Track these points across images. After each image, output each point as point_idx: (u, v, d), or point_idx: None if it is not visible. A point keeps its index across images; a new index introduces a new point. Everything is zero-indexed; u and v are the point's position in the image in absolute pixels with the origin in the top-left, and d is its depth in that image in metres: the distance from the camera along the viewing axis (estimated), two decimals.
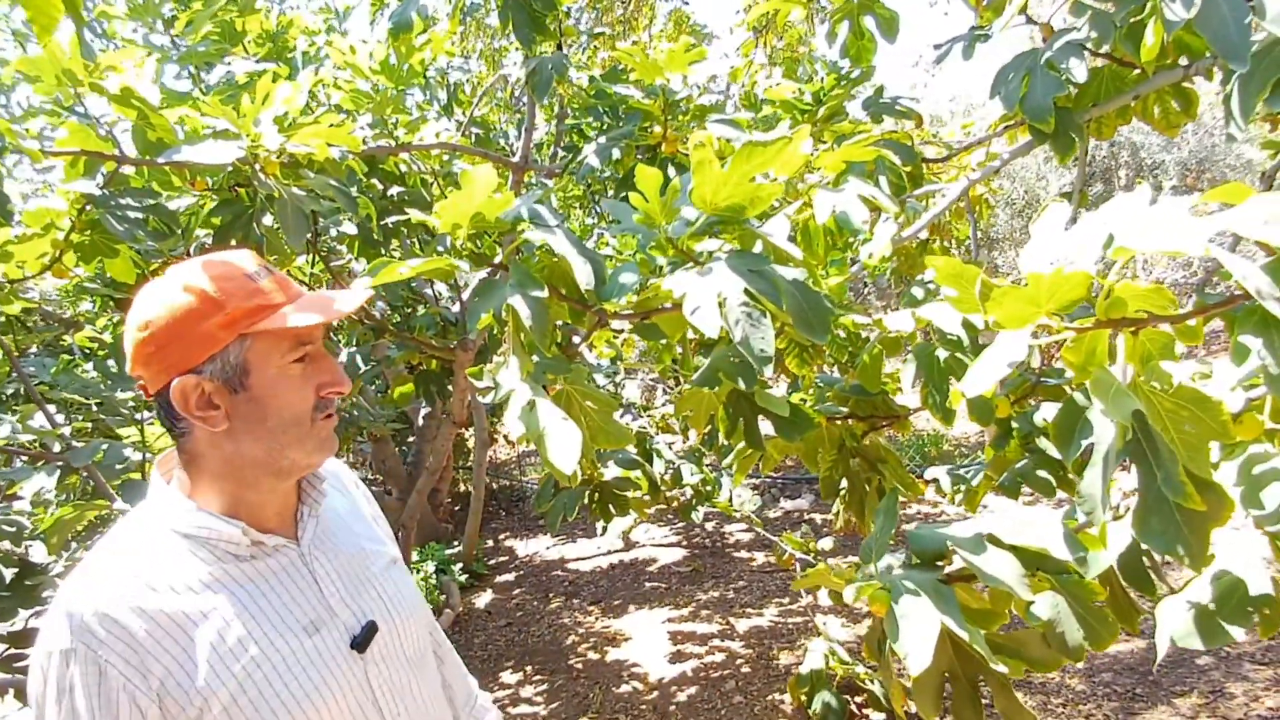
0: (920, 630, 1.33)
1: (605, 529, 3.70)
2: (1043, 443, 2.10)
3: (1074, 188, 1.95)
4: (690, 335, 2.08)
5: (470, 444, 6.97)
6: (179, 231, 2.88)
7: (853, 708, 3.21)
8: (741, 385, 1.83)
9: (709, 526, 6.36)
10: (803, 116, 2.38)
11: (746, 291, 1.48)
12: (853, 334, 2.84)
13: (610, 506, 3.32)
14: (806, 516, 6.29)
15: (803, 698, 3.19)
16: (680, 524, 6.67)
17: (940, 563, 1.51)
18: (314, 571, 0.94)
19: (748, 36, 5.22)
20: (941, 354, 1.86)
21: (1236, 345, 1.06)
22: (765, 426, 1.98)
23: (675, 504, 3.65)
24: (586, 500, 3.24)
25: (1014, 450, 2.31)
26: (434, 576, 5.35)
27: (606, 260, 1.79)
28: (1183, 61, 1.95)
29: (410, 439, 6.38)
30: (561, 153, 4.11)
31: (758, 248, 1.71)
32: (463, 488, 8.07)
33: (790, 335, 2.19)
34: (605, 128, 2.77)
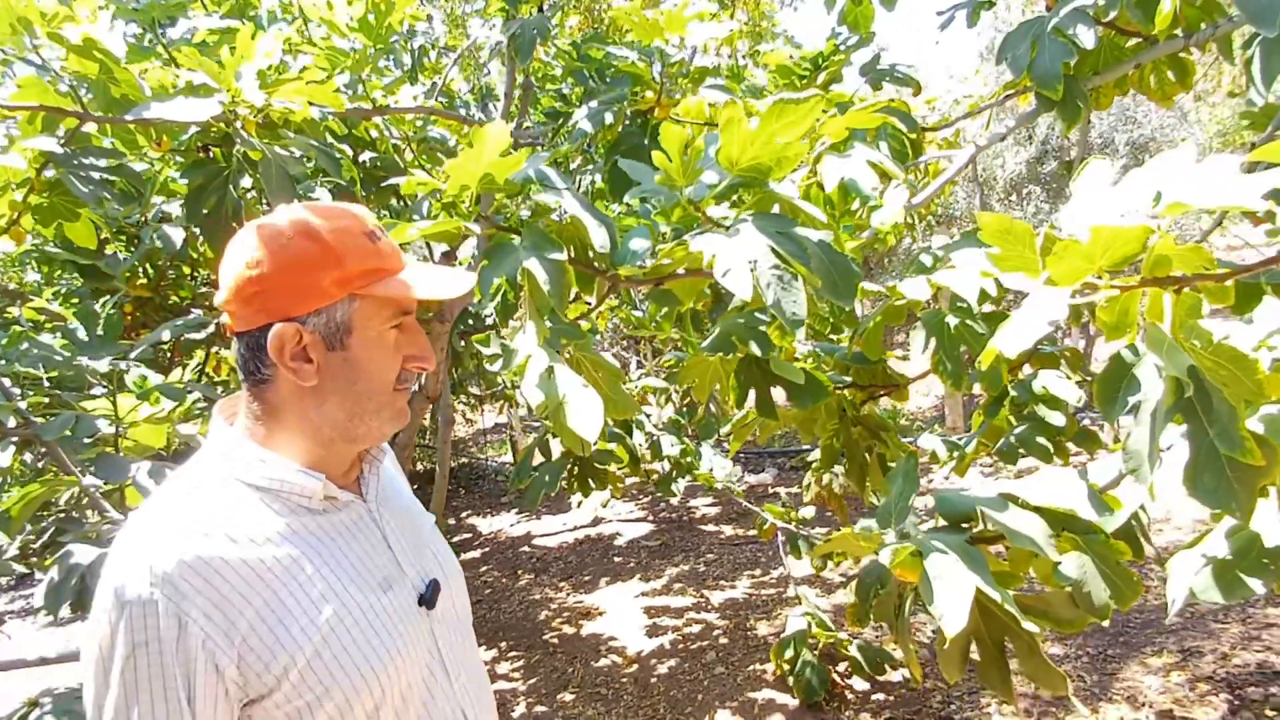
0: (955, 592, 1.32)
1: (581, 503, 3.67)
2: (1041, 410, 2.12)
3: (1076, 157, 1.96)
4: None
5: (426, 421, 6.86)
6: (147, 194, 2.73)
7: (835, 675, 3.25)
8: (756, 351, 1.81)
9: (675, 501, 6.38)
10: (801, 83, 2.36)
11: (775, 253, 1.45)
12: (835, 306, 2.84)
13: (590, 480, 3.29)
14: (771, 490, 6.34)
15: (785, 665, 3.22)
16: (646, 498, 6.68)
17: (966, 525, 1.51)
18: (382, 529, 0.92)
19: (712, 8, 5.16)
20: (952, 320, 1.86)
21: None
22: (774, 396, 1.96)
23: (654, 477, 3.63)
24: (566, 475, 3.20)
25: (1003, 419, 2.34)
26: None
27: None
28: (1178, 32, 1.97)
29: None
30: (529, 120, 4.03)
31: (774, 210, 1.68)
32: (419, 466, 7.94)
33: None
34: (588, 92, 2.70)
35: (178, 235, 3.03)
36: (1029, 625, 1.40)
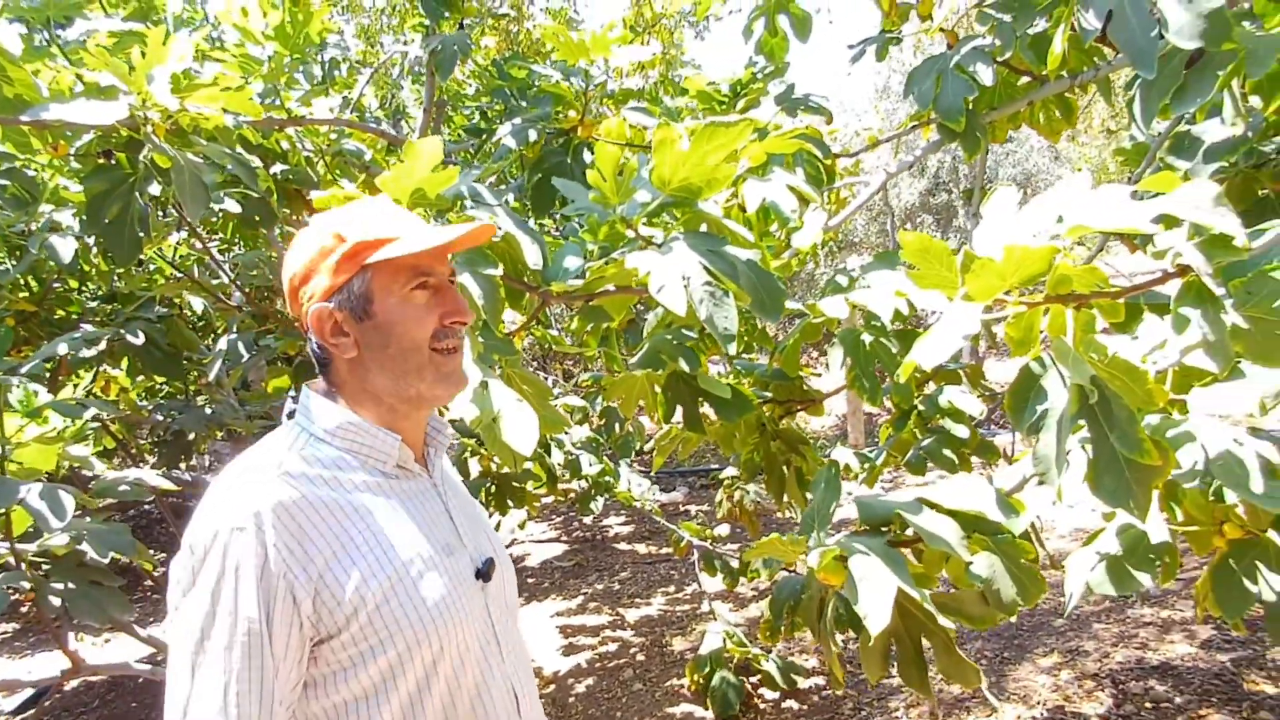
0: (879, 592, 1.38)
1: (498, 524, 3.63)
2: (946, 423, 2.25)
3: (974, 185, 2.10)
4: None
5: None
6: (37, 202, 2.58)
7: (748, 687, 3.31)
8: (685, 367, 1.86)
9: (588, 520, 6.36)
10: (721, 108, 2.44)
11: (707, 270, 1.50)
12: (751, 324, 2.93)
13: (509, 499, 3.26)
14: (683, 508, 6.41)
15: (701, 680, 3.26)
16: (559, 518, 6.64)
17: (884, 529, 1.58)
18: (445, 503, 0.99)
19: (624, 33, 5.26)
20: (867, 338, 1.95)
21: (1177, 316, 1.18)
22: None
23: (571, 495, 3.63)
24: (482, 494, 3.17)
25: (910, 432, 2.47)
26: None
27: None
28: (1064, 73, 2.15)
29: None
30: (442, 137, 4.00)
31: (702, 229, 1.74)
32: None
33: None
34: (509, 110, 2.72)
35: (67, 247, 2.86)
36: (945, 622, 1.48)
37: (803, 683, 3.33)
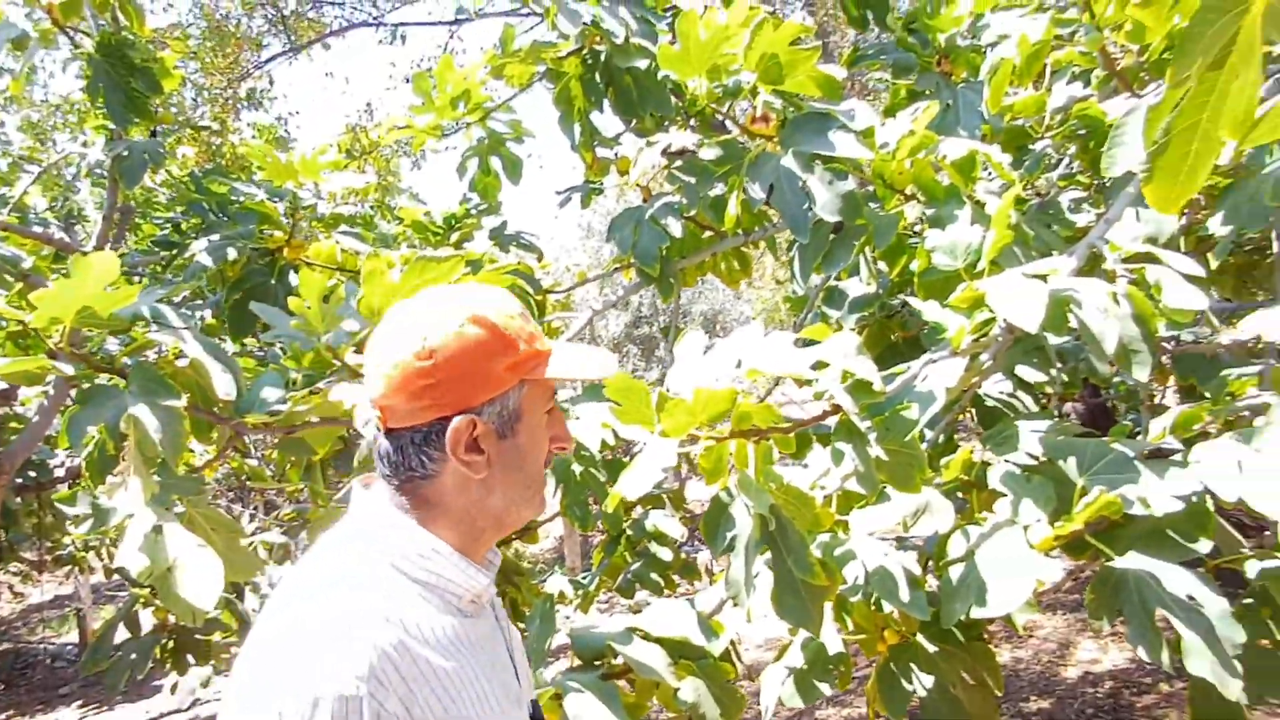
0: None
1: (176, 685, 3.13)
2: (653, 546, 2.36)
3: (671, 321, 2.30)
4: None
5: None
6: None
7: None
8: None
9: None
10: (435, 240, 2.47)
11: None
12: None
13: (190, 655, 2.84)
14: None
15: None
16: None
17: (599, 661, 1.60)
18: (508, 641, 0.90)
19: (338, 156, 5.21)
20: (577, 468, 2.02)
21: (834, 450, 1.37)
22: None
23: None
24: (158, 651, 2.74)
25: (620, 556, 2.55)
26: None
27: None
28: (740, 231, 2.47)
29: None
30: (126, 247, 3.61)
31: None
32: None
33: None
34: (207, 225, 2.54)
35: None
36: None
37: None
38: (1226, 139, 0.96)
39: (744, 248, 2.56)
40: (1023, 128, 2.04)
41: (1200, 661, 1.25)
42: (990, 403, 1.97)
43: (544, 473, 0.89)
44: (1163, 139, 0.94)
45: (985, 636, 2.35)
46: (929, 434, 1.88)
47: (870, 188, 1.84)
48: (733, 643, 1.86)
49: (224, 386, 1.49)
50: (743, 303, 11.32)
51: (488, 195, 2.62)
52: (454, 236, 2.46)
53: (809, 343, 1.43)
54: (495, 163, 2.57)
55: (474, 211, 2.53)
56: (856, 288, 2.18)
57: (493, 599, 0.91)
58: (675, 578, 2.45)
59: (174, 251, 2.36)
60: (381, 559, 0.79)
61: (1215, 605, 1.29)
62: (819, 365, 1.43)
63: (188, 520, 1.53)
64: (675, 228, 2.19)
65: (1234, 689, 1.23)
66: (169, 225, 2.56)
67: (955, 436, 2.02)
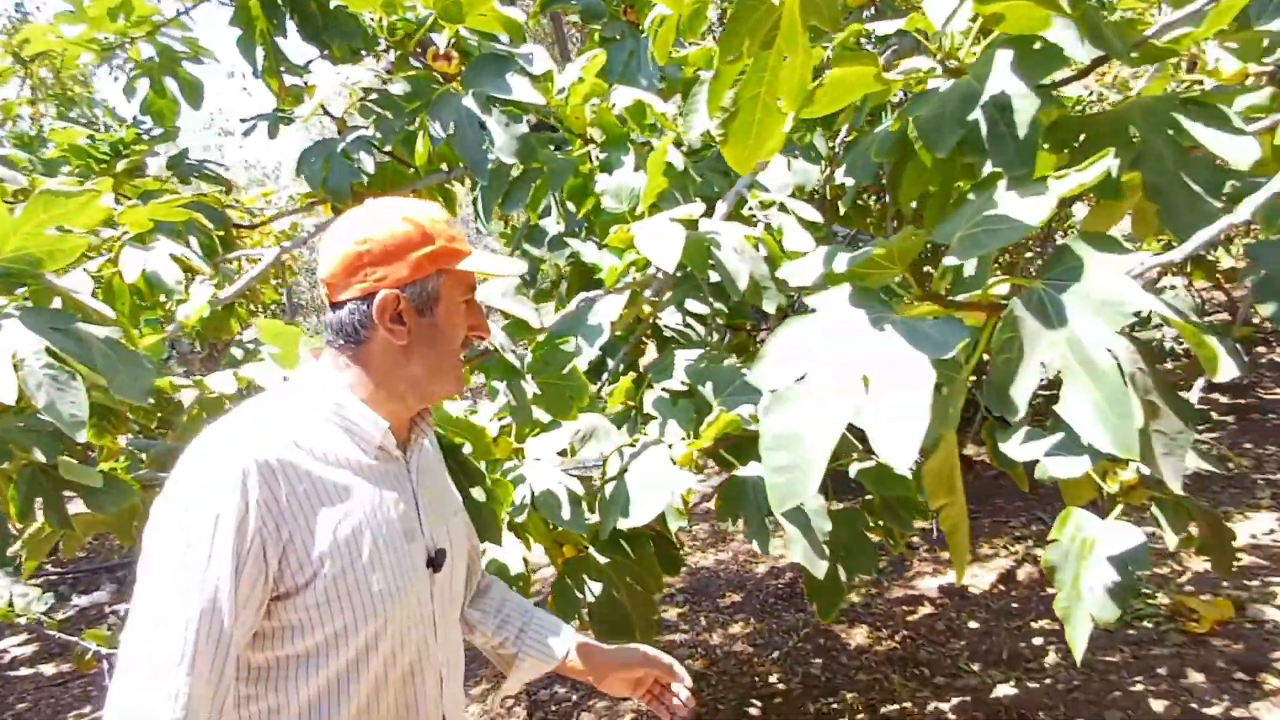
0: None
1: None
2: None
3: None
4: None
5: None
6: None
7: None
8: (40, 457, 1.64)
9: None
10: (100, 167, 2.23)
11: (50, 351, 1.38)
12: (164, 397, 2.70)
13: None
14: (110, 609, 5.47)
15: None
16: None
17: None
18: (415, 488, 1.03)
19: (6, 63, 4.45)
20: None
21: (489, 388, 1.45)
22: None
23: None
24: None
25: None
26: None
27: None
28: (445, 168, 2.46)
29: None
30: None
31: (56, 304, 1.58)
32: None
33: (96, 399, 2.02)
34: None
35: None
36: None
37: None
38: (787, 109, 1.12)
39: (449, 184, 2.56)
40: (699, 78, 2.20)
41: (796, 548, 1.49)
42: (667, 334, 2.16)
43: (459, 355, 1.04)
44: (732, 108, 1.08)
45: (680, 545, 2.61)
46: (610, 363, 2.03)
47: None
48: None
49: None
50: (485, 236, 11.20)
51: (164, 119, 2.39)
52: (121, 165, 2.23)
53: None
54: (171, 84, 2.35)
55: (146, 137, 2.31)
56: (553, 226, 2.26)
57: (419, 455, 1.06)
58: None
59: None
60: (299, 402, 0.97)
61: (813, 502, 1.54)
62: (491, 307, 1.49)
63: None
64: (368, 163, 2.15)
65: (820, 569, 1.49)
66: None
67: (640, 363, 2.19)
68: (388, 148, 2.21)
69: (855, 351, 0.69)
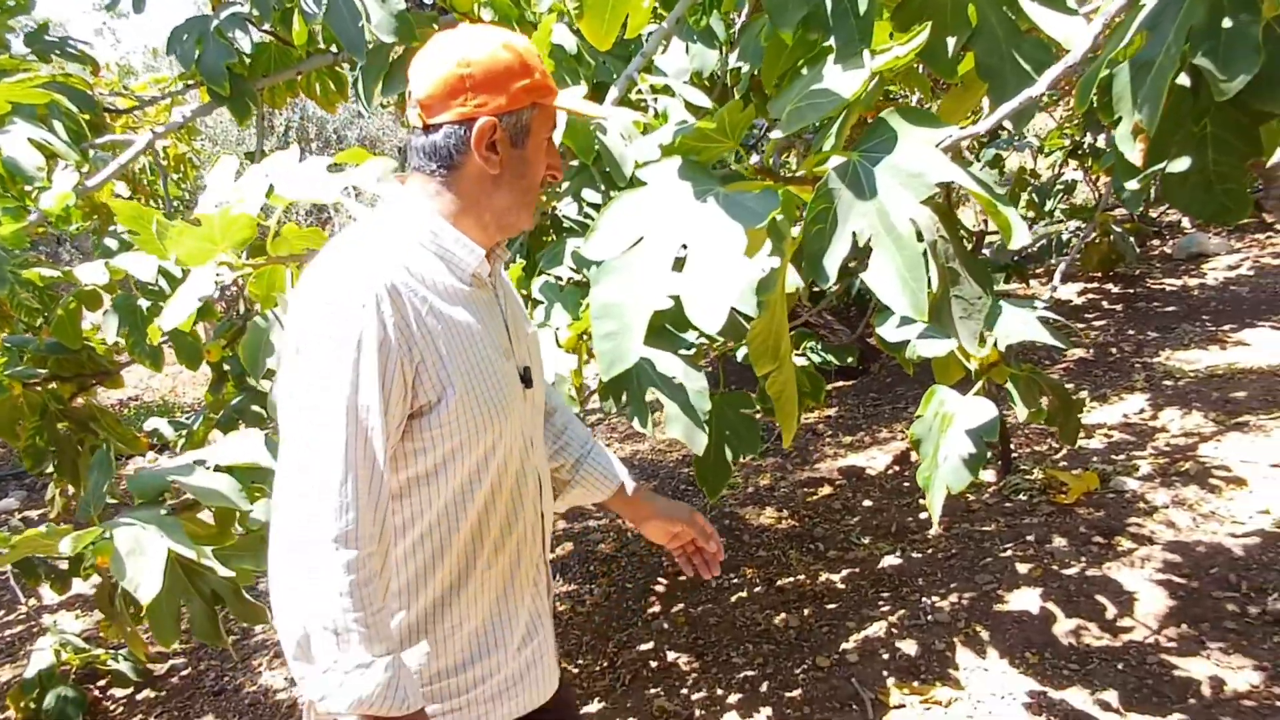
0: (147, 560, 1.41)
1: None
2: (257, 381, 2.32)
3: (255, 148, 2.18)
4: None
5: None
6: None
7: (96, 693, 3.00)
8: None
9: None
10: None
11: None
12: (42, 290, 2.59)
13: None
14: (21, 515, 5.34)
15: (30, 705, 2.84)
16: None
17: (163, 498, 1.60)
18: (504, 313, 1.08)
19: None
20: (144, 303, 1.90)
21: None
22: None
23: None
24: None
25: (230, 391, 2.48)
26: None
27: None
28: (334, 50, 2.34)
29: None
30: None
31: None
32: None
33: None
34: None
35: None
36: (225, 572, 1.56)
37: (160, 668, 3.16)
38: None
39: (338, 67, 2.44)
40: None
41: (676, 425, 1.55)
42: (567, 224, 2.14)
43: (539, 190, 1.06)
44: None
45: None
46: (506, 253, 2.02)
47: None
48: None
49: None
50: (399, 126, 10.68)
51: None
52: None
53: (342, 167, 1.45)
54: None
55: None
56: None
57: (502, 281, 1.12)
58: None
59: None
60: (397, 230, 0.98)
61: (695, 383, 1.58)
62: (356, 191, 1.46)
63: None
64: (244, 42, 2.02)
65: (699, 443, 1.54)
66: None
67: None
68: (267, 25, 2.08)
69: (677, 222, 0.70)
